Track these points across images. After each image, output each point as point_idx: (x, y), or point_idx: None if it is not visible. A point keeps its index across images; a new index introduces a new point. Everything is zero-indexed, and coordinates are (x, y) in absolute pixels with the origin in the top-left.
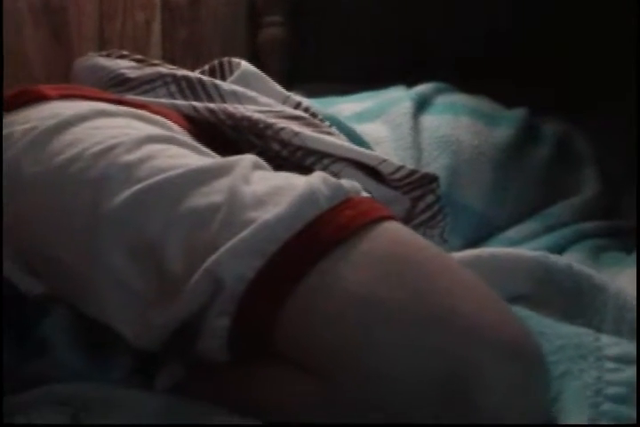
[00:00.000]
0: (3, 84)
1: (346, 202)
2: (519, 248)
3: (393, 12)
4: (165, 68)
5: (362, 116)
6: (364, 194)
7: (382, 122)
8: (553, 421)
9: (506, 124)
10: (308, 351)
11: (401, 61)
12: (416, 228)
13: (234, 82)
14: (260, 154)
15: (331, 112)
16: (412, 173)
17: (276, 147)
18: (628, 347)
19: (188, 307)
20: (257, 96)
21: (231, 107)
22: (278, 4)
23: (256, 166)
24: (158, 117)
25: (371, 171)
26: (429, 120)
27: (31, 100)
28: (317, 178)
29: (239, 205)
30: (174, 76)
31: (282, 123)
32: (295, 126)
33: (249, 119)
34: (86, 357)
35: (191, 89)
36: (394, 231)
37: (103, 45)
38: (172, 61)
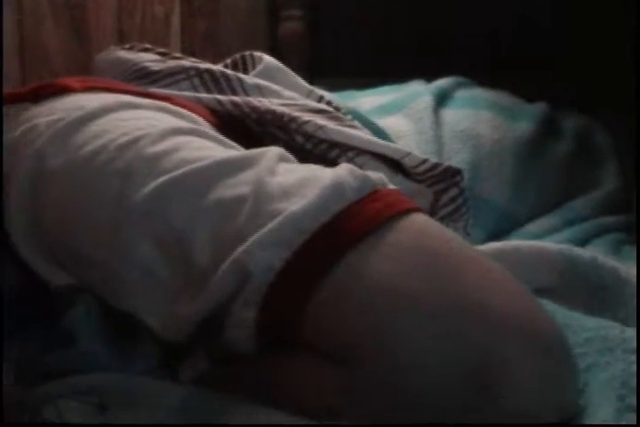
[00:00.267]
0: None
1: (373, 194)
2: (541, 242)
3: (411, 5)
4: (188, 62)
5: (383, 110)
6: (391, 186)
7: (403, 116)
8: (580, 413)
9: (526, 118)
10: (336, 341)
11: (418, 55)
12: (440, 221)
13: (257, 75)
14: (283, 147)
15: (352, 106)
16: (436, 166)
17: (299, 140)
18: None
19: (216, 297)
20: (280, 90)
21: (255, 100)
22: None
23: (282, 158)
24: (183, 110)
25: (394, 164)
26: (450, 114)
27: (56, 92)
28: (344, 170)
29: (266, 197)
30: (197, 70)
31: (306, 116)
32: (319, 120)
33: (273, 112)
34: (111, 347)
35: (214, 82)
36: (421, 223)
37: (122, 39)
38: (192, 55)
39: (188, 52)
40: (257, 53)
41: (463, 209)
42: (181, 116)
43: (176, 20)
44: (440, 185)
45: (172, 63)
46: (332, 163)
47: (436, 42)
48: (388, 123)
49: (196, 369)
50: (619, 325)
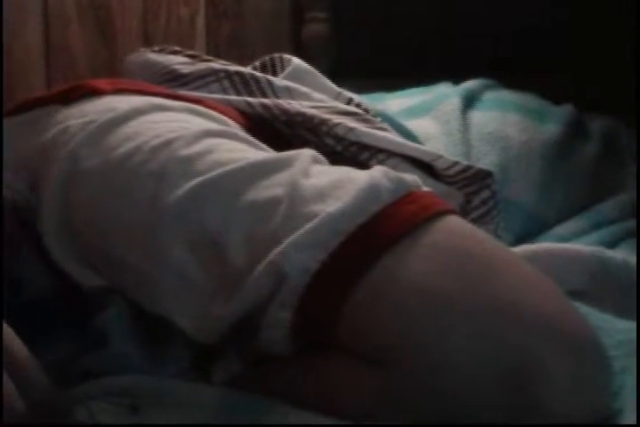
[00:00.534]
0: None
1: (408, 196)
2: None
3: (435, 7)
4: (218, 64)
5: (410, 113)
6: (425, 188)
7: (431, 118)
8: (615, 415)
9: (554, 120)
10: (372, 343)
11: (444, 57)
12: (471, 223)
13: (286, 78)
14: (314, 149)
15: (380, 108)
16: (467, 168)
17: (330, 142)
18: None
19: (251, 299)
20: (310, 92)
21: (285, 102)
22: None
23: (315, 160)
24: (213, 112)
25: (424, 166)
26: (478, 116)
27: (86, 94)
28: (379, 172)
29: (300, 199)
30: (227, 72)
31: (336, 118)
32: (350, 122)
33: (303, 115)
34: (143, 349)
35: (244, 85)
36: (456, 225)
37: (147, 41)
38: (216, 57)
39: (213, 54)
40: (286, 56)
41: (494, 212)
42: (212, 119)
43: (201, 22)
44: (471, 187)
45: (201, 65)
46: (362, 165)
47: (460, 44)
48: (415, 125)
49: (228, 371)
50: None
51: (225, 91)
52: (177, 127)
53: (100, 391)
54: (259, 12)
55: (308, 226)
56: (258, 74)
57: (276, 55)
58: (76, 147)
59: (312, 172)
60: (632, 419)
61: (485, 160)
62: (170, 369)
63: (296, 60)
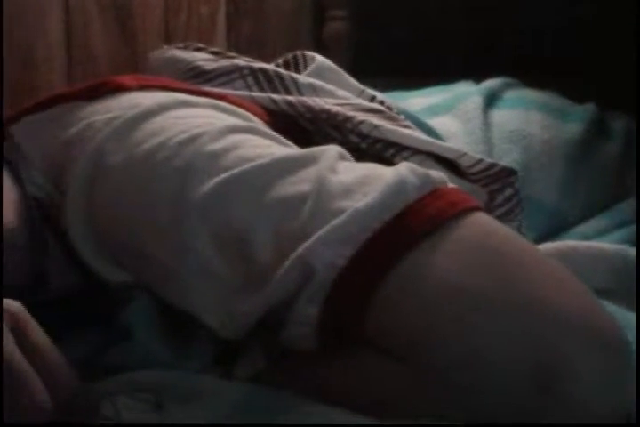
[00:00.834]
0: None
1: (434, 192)
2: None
3: (456, 6)
4: (242, 61)
5: (432, 111)
6: (451, 185)
7: (452, 116)
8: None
9: (576, 118)
10: (399, 339)
11: (464, 56)
12: None
13: (309, 75)
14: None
15: (401, 106)
16: (491, 166)
17: (354, 139)
18: None
19: (278, 294)
20: (334, 89)
21: (309, 99)
22: None
23: (341, 157)
24: (238, 109)
25: (447, 164)
26: (499, 115)
27: (110, 90)
28: (405, 168)
29: (327, 195)
30: (251, 69)
31: (361, 116)
32: (374, 119)
33: (328, 112)
34: (167, 345)
35: (268, 81)
36: (483, 222)
37: (168, 39)
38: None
39: (234, 51)
40: (309, 53)
41: (517, 209)
42: (236, 115)
43: (221, 20)
44: (494, 185)
45: (225, 62)
46: (386, 162)
47: (480, 43)
48: (437, 124)
49: (252, 367)
50: None
51: (249, 87)
52: (202, 123)
53: (124, 387)
54: (279, 11)
55: (336, 222)
56: (282, 71)
57: (299, 52)
58: (101, 142)
59: (339, 168)
60: None
61: (507, 158)
62: (194, 365)
63: (319, 58)
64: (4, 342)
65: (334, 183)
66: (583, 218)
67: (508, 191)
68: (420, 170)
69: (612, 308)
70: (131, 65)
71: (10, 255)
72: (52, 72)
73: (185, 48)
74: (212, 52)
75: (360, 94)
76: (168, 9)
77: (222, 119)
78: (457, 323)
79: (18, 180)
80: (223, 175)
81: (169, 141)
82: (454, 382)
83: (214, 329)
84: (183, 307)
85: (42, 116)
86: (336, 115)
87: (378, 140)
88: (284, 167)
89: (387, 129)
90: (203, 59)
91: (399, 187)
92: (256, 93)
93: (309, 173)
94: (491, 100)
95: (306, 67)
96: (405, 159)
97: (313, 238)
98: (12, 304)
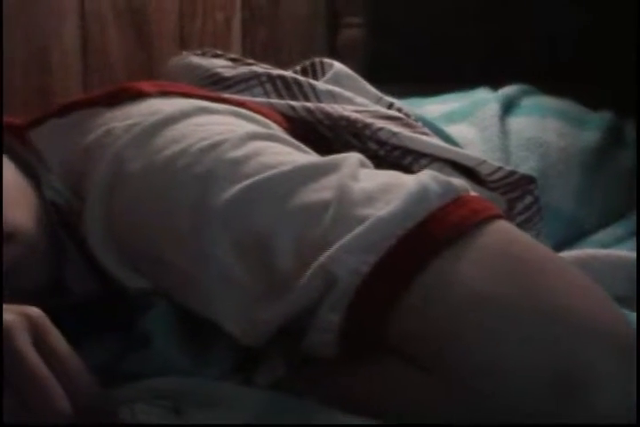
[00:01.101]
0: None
1: (457, 200)
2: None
3: (471, 12)
4: (260, 68)
5: (448, 118)
6: (473, 193)
7: (469, 124)
8: None
9: (592, 126)
10: (422, 346)
11: (479, 62)
12: None
13: (327, 82)
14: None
15: (419, 113)
16: (511, 174)
17: (373, 146)
18: None
19: (300, 302)
20: (353, 96)
21: (328, 106)
22: (357, 5)
23: (362, 164)
24: (257, 115)
25: (466, 171)
26: (516, 122)
27: (130, 96)
28: (427, 176)
29: (349, 202)
30: (270, 76)
31: (379, 123)
32: (393, 126)
33: (347, 119)
34: (186, 351)
35: (287, 88)
36: (505, 229)
37: (183, 45)
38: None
39: (249, 57)
40: (326, 60)
41: (537, 217)
42: (256, 122)
43: (237, 26)
44: (514, 193)
45: (244, 69)
46: (405, 170)
47: (496, 50)
48: (453, 130)
49: (272, 374)
50: None
51: (267, 94)
52: (223, 130)
53: (142, 394)
54: (294, 17)
55: (359, 229)
56: (300, 78)
57: (317, 59)
58: (121, 149)
59: (360, 175)
60: None
61: (524, 166)
62: (213, 372)
63: (337, 65)
64: (24, 348)
65: (356, 191)
66: (599, 226)
67: (528, 199)
68: (442, 178)
69: (631, 316)
70: (146, 70)
71: (29, 260)
72: (68, 77)
73: (203, 55)
74: (231, 59)
75: (378, 101)
76: (183, 14)
77: (242, 126)
78: (480, 330)
79: (37, 185)
80: (245, 182)
81: (190, 148)
82: (477, 389)
83: (235, 336)
84: (203, 314)
85: (61, 122)
86: (355, 122)
87: (396, 148)
88: (306, 174)
89: (405, 136)
90: (221, 65)
91: (422, 195)
92: (275, 100)
93: (331, 180)
94: (508, 108)
95: (323, 73)
96: (424, 167)
97: (336, 246)
98: (31, 310)
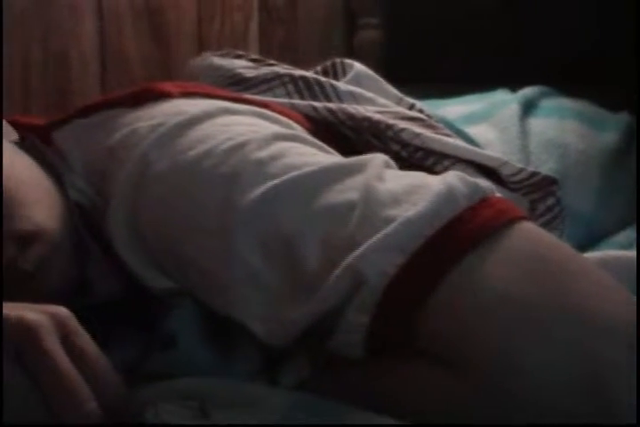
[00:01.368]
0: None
1: (483, 201)
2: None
3: (489, 13)
4: (282, 68)
5: (468, 119)
6: (498, 194)
7: (489, 125)
8: None
9: (611, 127)
10: (450, 347)
11: (497, 63)
12: None
13: (348, 83)
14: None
15: (439, 114)
16: (533, 175)
17: (395, 147)
18: None
19: (327, 303)
20: (375, 97)
21: (350, 107)
22: (374, 6)
23: (387, 165)
24: (280, 116)
25: (488, 172)
26: (536, 123)
27: (153, 97)
28: (453, 177)
29: (376, 203)
30: (292, 76)
31: (402, 124)
32: (415, 127)
33: (369, 120)
34: (211, 351)
35: (309, 89)
36: (531, 231)
37: (201, 46)
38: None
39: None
40: (347, 60)
41: (559, 219)
42: (279, 123)
43: (254, 28)
44: (536, 194)
45: (265, 70)
46: (427, 171)
47: (514, 51)
48: (474, 132)
49: (298, 374)
50: None
51: (289, 95)
52: (247, 131)
53: (167, 394)
54: (311, 18)
55: (387, 230)
56: (322, 78)
57: (338, 60)
58: (146, 149)
59: (385, 176)
60: None
61: (544, 167)
62: (238, 371)
63: (358, 65)
64: (52, 348)
65: (382, 191)
66: (618, 228)
67: (550, 200)
68: (469, 179)
69: None
70: (164, 71)
71: (54, 260)
72: (86, 78)
73: (224, 55)
74: (252, 60)
75: (399, 102)
76: (201, 15)
77: (266, 127)
78: (507, 330)
79: (61, 185)
80: (270, 183)
81: (215, 149)
82: (504, 389)
83: (260, 336)
84: (229, 314)
85: (85, 123)
86: (378, 123)
87: (419, 149)
88: (332, 175)
89: (428, 137)
90: (243, 66)
91: (449, 196)
92: (297, 101)
93: (357, 181)
94: (527, 109)
95: (344, 74)
96: (446, 168)
97: (363, 247)
98: (59, 310)
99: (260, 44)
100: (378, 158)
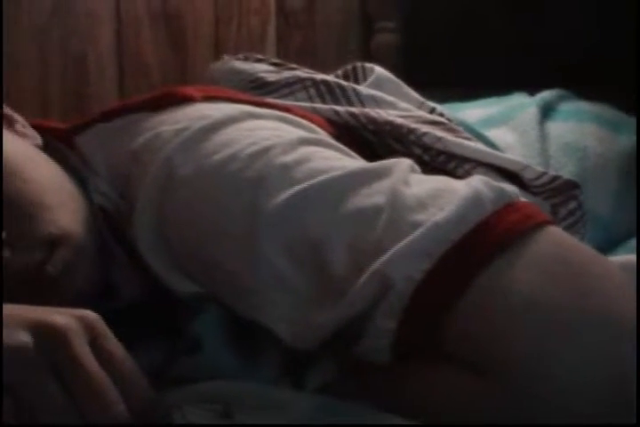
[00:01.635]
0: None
1: (509, 206)
2: None
3: (506, 17)
4: (303, 72)
5: (487, 123)
6: (523, 198)
7: (508, 128)
8: None
9: (629, 131)
10: (478, 351)
11: (515, 66)
12: None
13: (369, 86)
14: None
15: (459, 118)
16: (554, 179)
17: (417, 151)
18: None
19: (354, 307)
20: (396, 101)
21: (372, 111)
22: (391, 10)
23: (412, 169)
24: (302, 120)
25: (508, 176)
26: (555, 127)
27: (176, 101)
28: (479, 181)
29: (402, 207)
30: (313, 80)
31: (424, 128)
32: (437, 131)
33: (392, 124)
34: (236, 355)
35: (330, 93)
36: (557, 235)
37: (218, 49)
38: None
39: None
40: (368, 64)
41: (581, 223)
42: (301, 127)
43: (272, 32)
44: (557, 198)
45: (287, 74)
46: (449, 175)
47: (529, 54)
48: (493, 135)
49: (322, 378)
50: None
51: (311, 99)
52: (271, 135)
53: (192, 397)
54: (329, 22)
55: (414, 235)
56: (343, 83)
57: (358, 63)
58: (171, 153)
59: (411, 180)
60: None
61: (563, 171)
62: (263, 375)
63: (378, 69)
64: (81, 351)
65: (408, 196)
66: (635, 231)
67: (572, 204)
68: (494, 183)
69: None
70: (181, 74)
71: (79, 264)
72: (104, 82)
73: (245, 59)
74: (273, 64)
75: (420, 106)
76: (219, 20)
77: (290, 131)
78: (536, 335)
79: (84, 189)
80: (297, 187)
81: (240, 153)
82: (531, 392)
83: (286, 340)
84: (255, 317)
85: (107, 127)
86: (400, 127)
87: (441, 153)
88: (358, 180)
89: (450, 141)
90: (264, 70)
91: (475, 200)
92: (319, 105)
93: (383, 185)
94: (546, 112)
95: (365, 78)
96: (467, 171)
97: (391, 252)
98: (87, 313)
99: (278, 48)
100: (403, 163)
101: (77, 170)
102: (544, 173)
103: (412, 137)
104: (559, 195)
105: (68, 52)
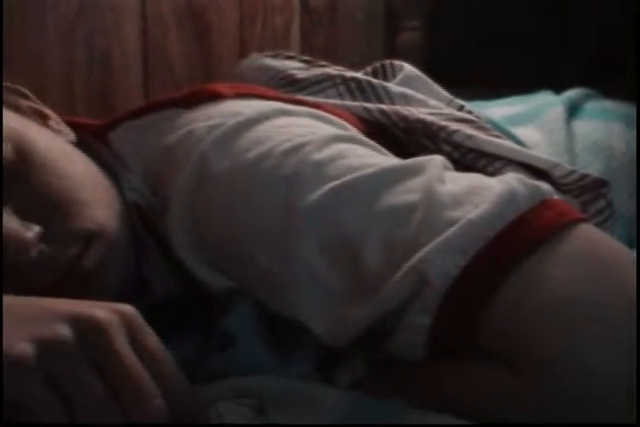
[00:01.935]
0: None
1: (544, 203)
2: None
3: (529, 15)
4: (333, 70)
5: (513, 121)
6: (556, 196)
7: (535, 127)
8: None
9: None
10: (511, 348)
11: (539, 65)
12: None
13: (398, 84)
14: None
15: (487, 116)
16: (584, 177)
17: (447, 149)
18: None
19: (389, 304)
20: (426, 99)
21: (403, 109)
22: (415, 8)
23: (445, 167)
24: (333, 117)
25: (538, 174)
26: (581, 125)
27: (208, 98)
28: (513, 179)
29: (437, 205)
30: (343, 78)
31: (454, 125)
32: (467, 129)
33: (422, 122)
34: (269, 351)
35: (360, 90)
36: (591, 233)
37: (243, 48)
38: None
39: None
40: (396, 62)
41: (610, 221)
42: (332, 124)
43: (296, 30)
44: (586, 196)
45: (317, 71)
46: (479, 172)
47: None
48: (519, 133)
49: (354, 374)
50: None
51: (341, 96)
52: (304, 132)
53: (227, 393)
54: (353, 21)
55: (449, 232)
56: (374, 80)
57: (387, 61)
58: (205, 150)
59: (445, 178)
60: None
61: (590, 170)
62: (296, 371)
63: (407, 67)
64: (120, 346)
65: (443, 193)
66: None
67: (601, 203)
68: (529, 181)
69: None
70: (205, 71)
71: (113, 259)
72: (129, 79)
73: (275, 56)
74: (303, 61)
75: (449, 103)
76: (243, 18)
77: (321, 128)
78: (571, 333)
79: (117, 185)
80: (331, 184)
81: (273, 150)
82: (568, 390)
83: (320, 336)
84: (289, 313)
85: (139, 124)
86: (430, 124)
87: (471, 150)
88: (392, 177)
89: (480, 139)
90: (294, 67)
91: (510, 197)
92: (349, 102)
93: (417, 182)
94: (572, 111)
95: (394, 75)
96: (498, 169)
97: (427, 248)
98: (126, 308)
99: (302, 47)
100: (436, 160)
101: (110, 166)
102: (573, 172)
103: (442, 135)
104: (588, 193)
105: (94, 49)
